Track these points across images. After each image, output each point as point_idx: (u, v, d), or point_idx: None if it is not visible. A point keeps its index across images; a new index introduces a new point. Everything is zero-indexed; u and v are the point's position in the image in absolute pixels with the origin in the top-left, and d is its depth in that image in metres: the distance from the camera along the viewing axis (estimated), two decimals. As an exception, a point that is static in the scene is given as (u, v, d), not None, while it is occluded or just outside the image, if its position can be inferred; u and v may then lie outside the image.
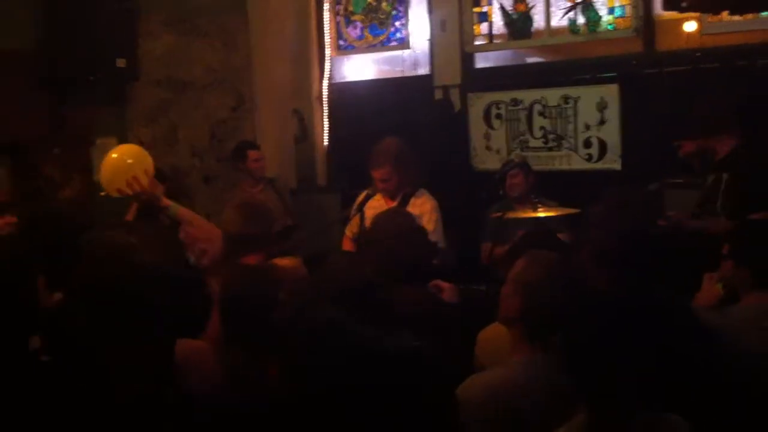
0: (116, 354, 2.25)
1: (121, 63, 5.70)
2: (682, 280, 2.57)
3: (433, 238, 4.55)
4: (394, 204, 4.58)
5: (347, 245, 4.78)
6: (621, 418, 1.88)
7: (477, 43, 6.40)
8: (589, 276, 2.49)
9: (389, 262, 3.05)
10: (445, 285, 3.27)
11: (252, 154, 5.83)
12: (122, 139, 6.15)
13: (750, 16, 5.20)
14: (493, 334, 2.80)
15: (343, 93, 7.02)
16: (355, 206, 4.73)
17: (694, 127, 4.17)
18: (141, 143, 6.24)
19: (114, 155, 3.89)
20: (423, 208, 4.58)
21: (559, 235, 4.13)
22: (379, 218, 3.50)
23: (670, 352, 1.85)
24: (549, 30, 6.08)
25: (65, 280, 2.53)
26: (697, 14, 5.28)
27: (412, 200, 4.63)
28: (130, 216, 5.09)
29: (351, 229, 4.81)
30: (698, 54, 5.35)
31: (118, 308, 2.32)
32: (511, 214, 4.62)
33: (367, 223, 4.40)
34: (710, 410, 2.03)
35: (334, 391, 1.71)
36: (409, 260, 3.17)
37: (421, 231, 3.46)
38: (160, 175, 5.62)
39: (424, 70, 6.65)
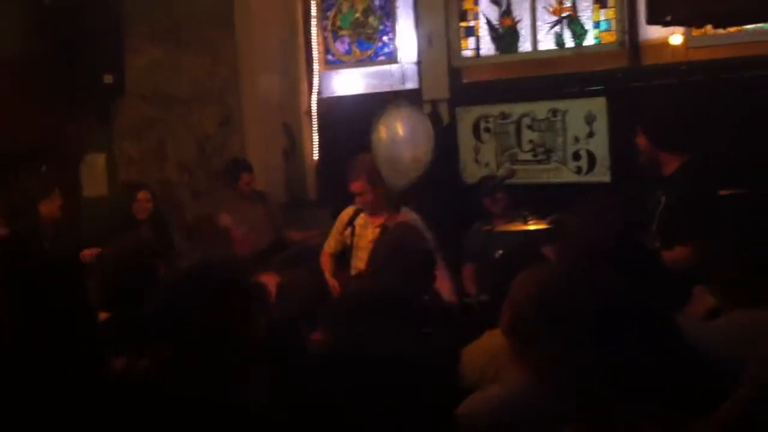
0: None
1: (108, 79, 5.69)
2: (659, 288, 2.57)
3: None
4: (378, 220, 4.62)
5: (325, 260, 4.79)
6: (608, 428, 1.87)
7: (464, 57, 6.43)
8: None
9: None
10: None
11: (245, 176, 5.81)
12: (110, 155, 6.13)
13: (735, 29, 5.25)
14: (478, 350, 2.79)
15: (332, 107, 7.02)
16: (342, 222, 4.76)
17: (648, 128, 4.13)
18: (130, 159, 6.25)
19: None
20: None
21: (544, 250, 4.15)
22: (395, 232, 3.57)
23: (653, 360, 1.85)
24: (535, 44, 6.11)
25: None
26: (682, 28, 5.32)
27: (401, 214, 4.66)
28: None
29: (331, 244, 4.84)
30: (684, 67, 5.38)
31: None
32: (502, 227, 4.63)
33: (357, 237, 4.43)
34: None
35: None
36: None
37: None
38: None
39: (412, 84, 6.66)
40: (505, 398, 2.30)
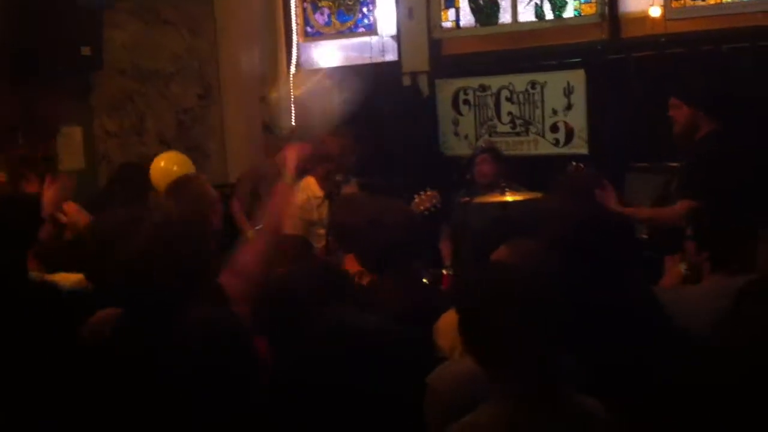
0: None
1: (86, 51, 5.62)
2: (637, 264, 2.59)
3: None
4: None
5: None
6: (531, 401, 1.89)
7: (444, 28, 6.41)
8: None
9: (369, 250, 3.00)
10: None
11: None
12: (88, 129, 6.08)
13: (713, 1, 5.26)
14: (451, 321, 2.79)
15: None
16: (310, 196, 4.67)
17: (692, 95, 4.09)
18: (107, 133, 6.20)
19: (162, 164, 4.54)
20: None
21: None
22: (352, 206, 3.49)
23: (617, 338, 1.87)
24: (515, 16, 6.09)
25: None
26: (661, 0, 5.32)
27: (344, 188, 4.66)
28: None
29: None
30: (663, 39, 5.38)
31: None
32: (479, 199, 4.63)
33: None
34: (666, 395, 2.05)
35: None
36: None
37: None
38: None
39: (392, 56, 6.64)
40: (471, 371, 2.31)
